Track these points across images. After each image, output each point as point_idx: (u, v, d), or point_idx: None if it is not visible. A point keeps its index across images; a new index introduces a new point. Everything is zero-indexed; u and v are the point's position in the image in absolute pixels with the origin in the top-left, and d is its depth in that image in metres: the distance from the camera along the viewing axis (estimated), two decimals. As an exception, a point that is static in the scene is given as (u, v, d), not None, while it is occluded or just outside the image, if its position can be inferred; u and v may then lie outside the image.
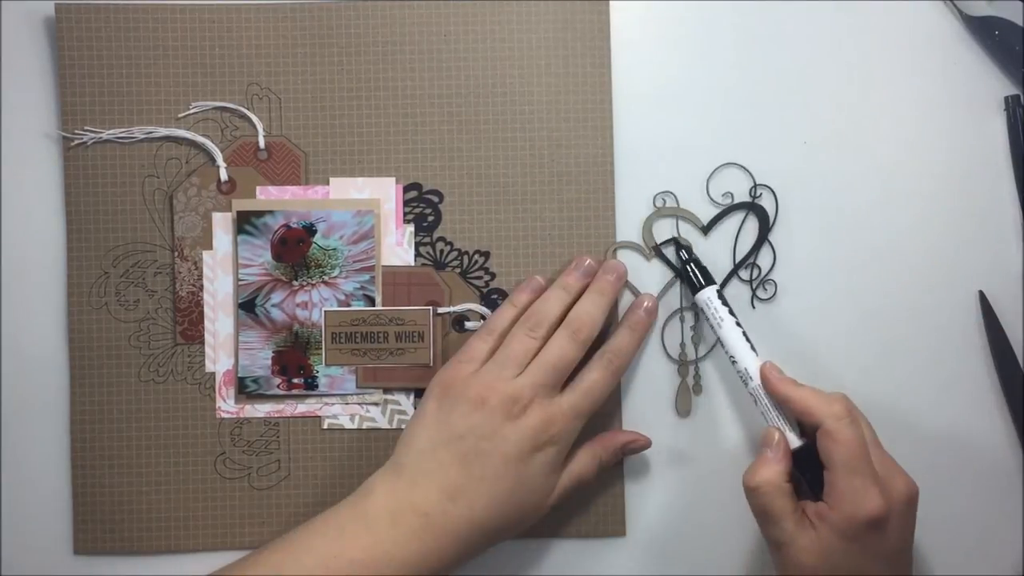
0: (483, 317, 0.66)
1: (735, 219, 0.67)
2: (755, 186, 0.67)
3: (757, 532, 0.66)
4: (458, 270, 0.67)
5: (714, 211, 0.67)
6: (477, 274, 0.67)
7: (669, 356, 0.67)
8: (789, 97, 0.67)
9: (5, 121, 0.67)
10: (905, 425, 0.67)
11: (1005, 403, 0.67)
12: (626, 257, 0.67)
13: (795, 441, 0.61)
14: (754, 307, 0.67)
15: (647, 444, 0.65)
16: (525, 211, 0.67)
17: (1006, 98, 0.67)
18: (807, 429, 0.61)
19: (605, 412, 0.66)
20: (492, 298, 0.67)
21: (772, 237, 0.67)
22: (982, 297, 0.67)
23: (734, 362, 0.63)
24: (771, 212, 0.67)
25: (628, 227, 0.67)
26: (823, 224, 0.67)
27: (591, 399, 0.61)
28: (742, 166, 0.67)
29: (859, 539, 0.57)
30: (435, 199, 0.67)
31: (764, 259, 0.67)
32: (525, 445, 0.59)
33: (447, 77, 0.66)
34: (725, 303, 0.64)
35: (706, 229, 0.67)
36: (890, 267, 0.67)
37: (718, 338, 0.64)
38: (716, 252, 0.67)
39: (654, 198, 0.67)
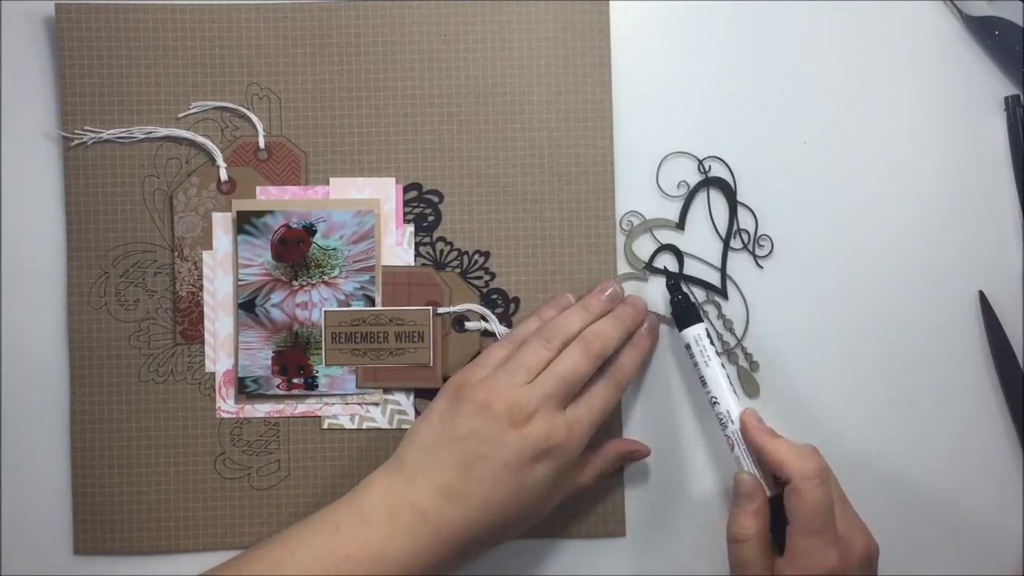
0: (483, 317, 0.66)
1: (700, 201, 0.67)
2: (701, 162, 0.67)
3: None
4: (458, 270, 0.67)
5: (678, 203, 0.67)
6: (477, 274, 0.67)
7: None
8: (789, 97, 0.67)
9: (5, 121, 0.67)
10: (905, 425, 0.67)
11: (1005, 403, 0.67)
12: (626, 287, 0.67)
13: (767, 491, 0.61)
14: (761, 267, 0.67)
15: (647, 453, 0.66)
16: (525, 211, 0.67)
17: (1006, 98, 0.67)
18: (777, 480, 0.61)
19: (606, 422, 0.66)
20: (492, 298, 0.67)
21: (744, 198, 0.67)
22: (982, 297, 0.67)
23: (715, 403, 0.63)
24: (730, 180, 0.67)
25: (629, 228, 0.67)
26: (821, 223, 0.67)
27: (594, 415, 0.61)
28: (681, 151, 0.67)
29: None
30: (435, 199, 0.67)
31: (746, 222, 0.67)
32: (526, 454, 0.58)
33: (447, 77, 0.67)
34: (712, 343, 0.64)
35: (680, 224, 0.67)
36: (890, 267, 0.67)
37: (701, 377, 0.63)
38: (699, 238, 0.67)
39: (620, 221, 0.67)
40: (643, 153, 0.67)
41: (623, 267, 0.67)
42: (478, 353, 0.66)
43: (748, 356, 0.67)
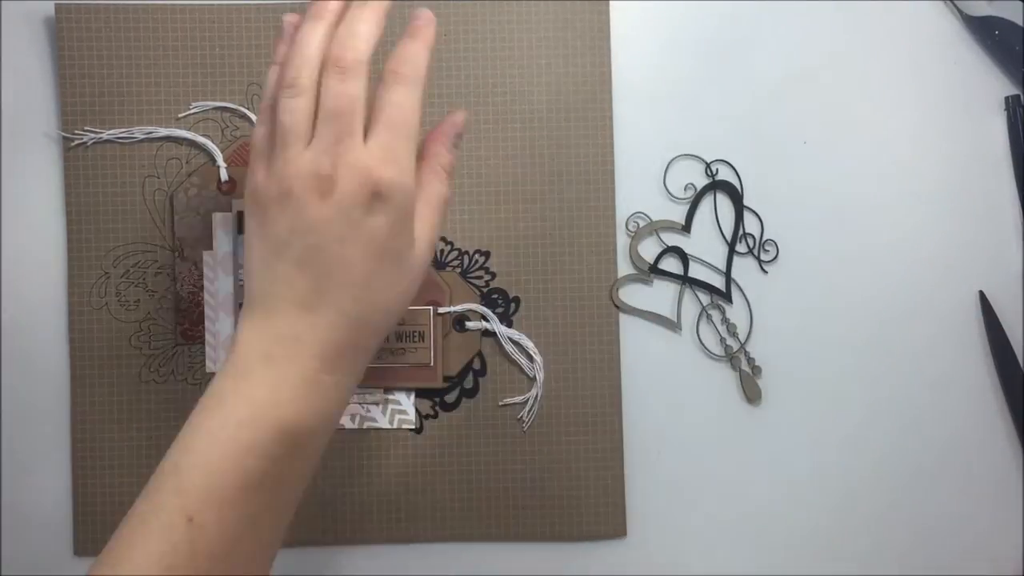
0: (484, 317, 0.66)
1: (706, 204, 0.67)
2: (708, 165, 0.67)
3: (758, 532, 0.66)
4: (458, 270, 0.67)
5: (684, 207, 0.67)
6: (477, 274, 0.67)
7: (715, 357, 0.67)
8: (789, 97, 0.67)
9: (5, 121, 0.67)
10: (905, 425, 0.67)
11: (1005, 403, 0.67)
12: (630, 288, 0.67)
13: None
14: (766, 272, 0.67)
15: (461, 117, 0.56)
16: (525, 211, 0.67)
17: (1006, 98, 0.67)
18: None
19: (604, 415, 0.66)
20: (492, 298, 0.67)
21: (750, 203, 0.67)
22: (982, 297, 0.67)
23: None
24: (736, 184, 0.67)
25: (630, 228, 0.67)
26: (820, 222, 0.67)
27: (404, 129, 0.50)
28: (689, 154, 0.67)
29: None
30: (435, 199, 0.67)
31: (752, 227, 0.67)
32: (352, 214, 0.50)
33: (447, 77, 0.66)
34: None
35: (686, 227, 0.67)
36: (890, 267, 0.67)
37: None
38: (705, 241, 0.67)
39: (626, 222, 0.67)
40: (643, 153, 0.67)
41: (626, 269, 0.67)
42: (479, 353, 0.66)
43: (751, 361, 0.67)
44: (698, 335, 0.67)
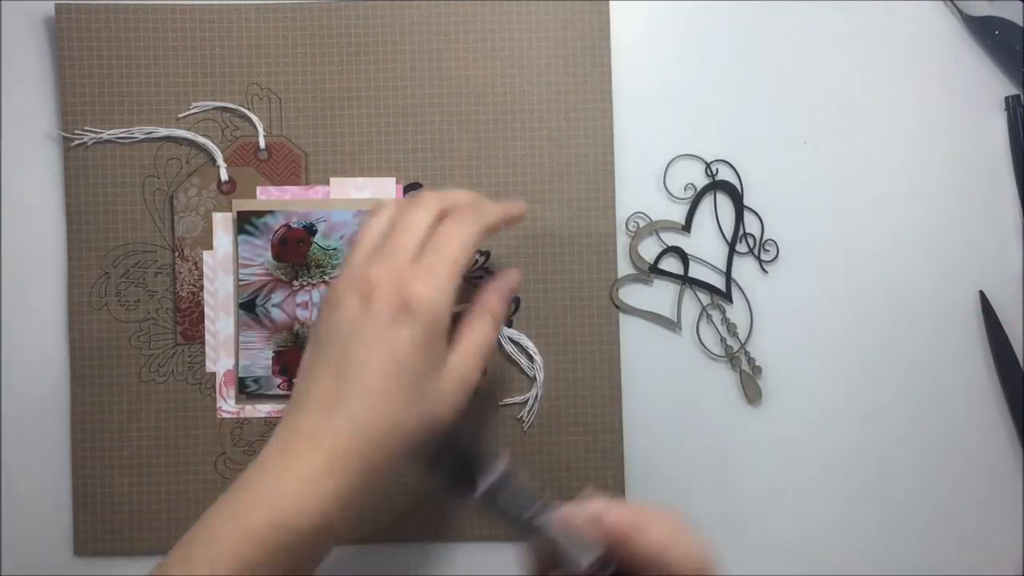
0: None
1: (706, 205, 0.67)
2: (708, 165, 0.67)
3: (758, 534, 0.66)
4: (458, 270, 0.67)
5: (684, 206, 0.67)
6: (477, 274, 0.67)
7: (715, 356, 0.67)
8: (789, 97, 0.67)
9: (5, 121, 0.67)
10: (905, 425, 0.67)
11: (1005, 403, 0.67)
12: (630, 288, 0.67)
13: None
14: (766, 272, 0.67)
15: (517, 276, 0.59)
16: (525, 211, 0.66)
17: (1006, 98, 0.67)
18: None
19: (604, 415, 0.66)
20: (492, 298, 0.67)
21: (750, 203, 0.67)
22: (982, 297, 0.67)
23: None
24: (736, 183, 0.67)
25: (630, 228, 0.67)
26: (820, 222, 0.67)
27: (449, 254, 0.54)
28: (689, 154, 0.67)
29: None
30: (435, 199, 0.67)
31: (752, 226, 0.67)
32: (381, 321, 0.52)
33: (447, 77, 0.66)
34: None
35: (686, 227, 0.67)
36: (890, 267, 0.67)
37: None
38: (705, 241, 0.67)
39: (626, 222, 0.67)
40: (643, 153, 0.67)
41: (627, 268, 0.67)
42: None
43: (751, 361, 0.67)
44: (698, 335, 0.67)
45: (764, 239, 0.67)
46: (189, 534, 0.50)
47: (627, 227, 0.67)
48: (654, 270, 0.67)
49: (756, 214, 0.67)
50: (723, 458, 0.67)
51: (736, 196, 0.67)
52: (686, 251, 0.67)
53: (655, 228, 0.67)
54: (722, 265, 0.67)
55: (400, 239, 0.54)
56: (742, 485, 0.67)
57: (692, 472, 0.67)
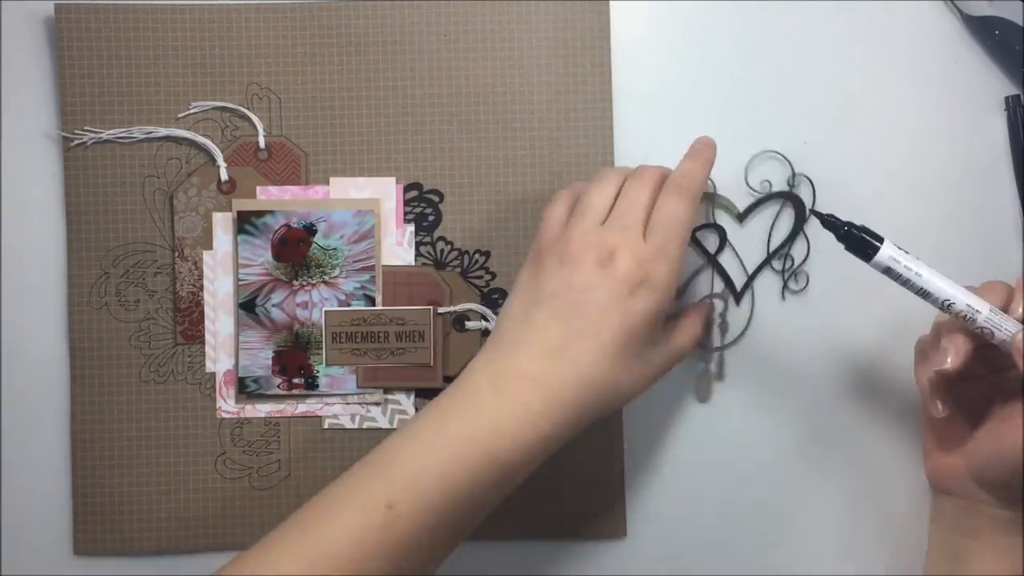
0: (484, 317, 0.66)
1: (771, 208, 0.67)
2: (793, 175, 0.67)
3: (758, 532, 0.66)
4: (458, 270, 0.67)
5: (750, 199, 0.67)
6: (478, 274, 0.67)
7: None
8: (789, 97, 0.67)
9: (5, 121, 0.66)
10: (906, 425, 0.67)
11: (1005, 403, 0.67)
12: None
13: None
14: (784, 298, 0.67)
15: (712, 152, 0.62)
16: (525, 211, 0.67)
17: (1006, 98, 0.67)
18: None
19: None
20: (493, 298, 0.67)
21: (807, 229, 0.67)
22: (982, 297, 0.67)
23: (949, 305, 0.57)
24: (808, 203, 0.67)
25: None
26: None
27: (676, 234, 0.58)
28: (781, 155, 0.67)
29: None
30: (435, 199, 0.67)
31: (798, 251, 0.67)
32: (621, 290, 0.56)
33: (447, 77, 0.66)
34: (904, 251, 0.58)
35: (742, 217, 0.67)
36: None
37: (921, 289, 0.57)
38: (751, 241, 0.67)
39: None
40: (642, 153, 0.67)
41: None
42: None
43: (721, 364, 0.67)
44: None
45: (799, 267, 0.67)
46: (378, 456, 0.55)
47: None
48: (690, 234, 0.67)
49: (808, 240, 0.67)
50: (723, 458, 0.67)
51: (800, 215, 0.67)
52: (728, 236, 0.67)
53: (716, 201, 0.67)
54: (750, 266, 0.67)
55: (630, 214, 0.58)
56: (742, 484, 0.67)
57: (693, 472, 0.67)
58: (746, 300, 0.67)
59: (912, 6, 0.67)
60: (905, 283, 0.58)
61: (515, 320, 0.57)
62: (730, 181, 0.67)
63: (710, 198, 0.67)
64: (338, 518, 0.54)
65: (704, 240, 0.67)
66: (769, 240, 0.67)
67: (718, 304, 0.67)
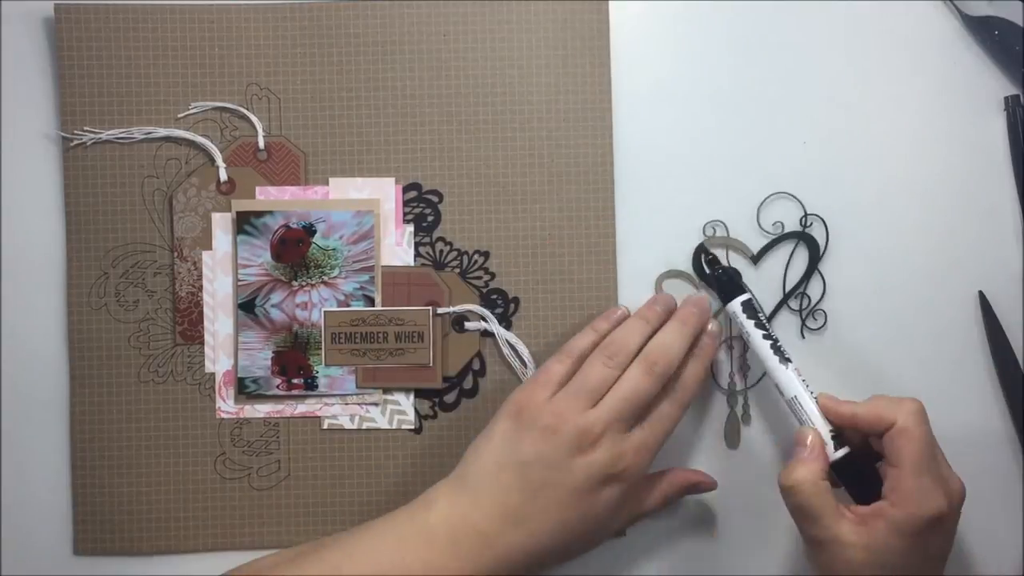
0: (483, 318, 0.66)
1: (785, 249, 0.67)
2: (806, 215, 0.67)
3: (757, 532, 0.66)
4: (458, 270, 0.67)
5: (763, 240, 0.67)
6: (477, 274, 0.67)
7: (719, 385, 0.67)
8: (788, 97, 0.67)
9: (4, 122, 0.67)
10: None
11: (1005, 403, 0.67)
12: (675, 286, 0.67)
13: (833, 451, 0.60)
14: (803, 337, 0.67)
15: (713, 486, 0.65)
16: (525, 211, 0.67)
17: (1006, 98, 0.67)
18: (858, 438, 0.61)
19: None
20: (492, 298, 0.67)
21: (822, 267, 0.67)
22: (982, 297, 0.67)
23: (769, 374, 0.62)
24: (822, 242, 0.67)
25: (627, 226, 0.67)
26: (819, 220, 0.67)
27: (659, 436, 0.61)
28: (793, 196, 0.67)
29: (918, 537, 0.56)
30: (435, 199, 0.67)
31: (813, 289, 0.67)
32: (593, 480, 0.58)
33: (446, 77, 0.66)
34: (752, 315, 0.63)
35: (756, 258, 0.67)
36: (890, 267, 0.67)
37: (749, 349, 0.64)
38: (766, 281, 0.67)
39: (704, 227, 0.67)
40: (642, 153, 0.67)
41: (685, 266, 0.67)
42: (478, 353, 0.66)
43: (747, 406, 0.67)
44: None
45: (816, 306, 0.67)
46: (334, 559, 0.57)
47: (704, 230, 0.67)
48: (704, 277, 0.67)
49: (823, 279, 0.67)
50: (722, 457, 0.67)
51: (815, 255, 0.67)
52: (744, 278, 0.66)
53: (728, 244, 0.67)
54: (769, 307, 0.67)
55: (625, 405, 0.59)
56: (741, 484, 0.67)
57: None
58: None
59: (912, 6, 0.67)
60: (744, 337, 0.63)
61: (486, 471, 0.59)
62: (743, 223, 0.67)
63: (725, 242, 0.67)
64: None
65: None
66: (785, 280, 0.67)
67: (737, 347, 0.67)
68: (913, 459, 0.57)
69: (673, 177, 0.67)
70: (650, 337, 0.62)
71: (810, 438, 0.60)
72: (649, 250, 0.67)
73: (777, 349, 0.62)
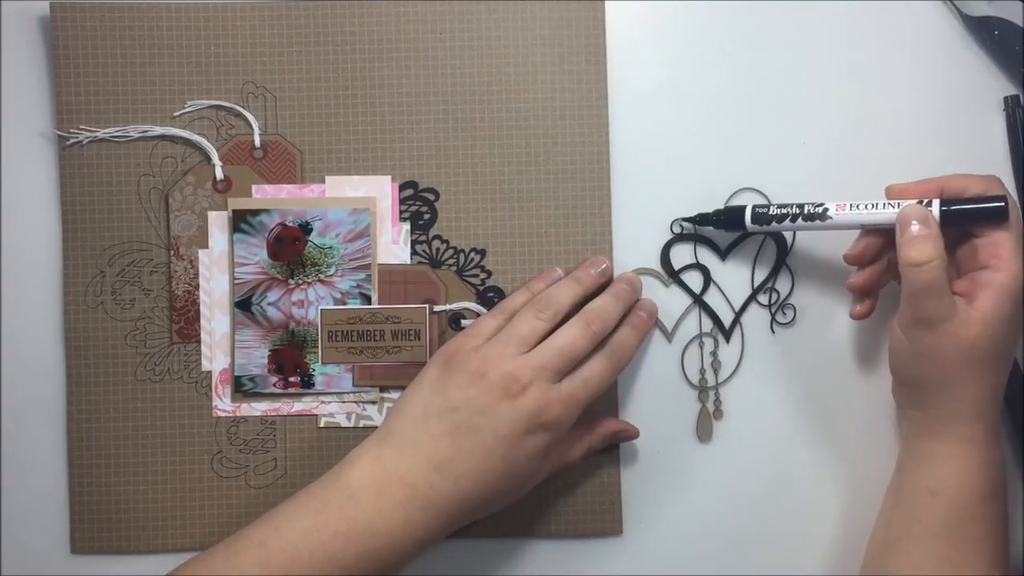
0: (479, 315, 0.66)
1: (753, 243, 0.67)
2: (768, 206, 0.66)
3: (755, 532, 0.66)
4: (454, 268, 0.67)
5: (730, 236, 0.67)
6: (473, 272, 0.67)
7: (689, 382, 0.67)
8: (788, 97, 0.67)
9: (1, 120, 0.66)
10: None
11: (1005, 403, 0.66)
12: (645, 282, 0.67)
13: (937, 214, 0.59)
14: (773, 332, 0.67)
15: (636, 434, 0.66)
16: (521, 209, 0.66)
17: (1006, 98, 0.66)
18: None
19: (600, 413, 0.66)
20: (488, 296, 0.66)
21: (790, 261, 0.67)
22: (980, 297, 0.66)
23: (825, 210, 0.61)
24: (788, 237, 0.67)
25: (625, 226, 0.67)
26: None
27: (590, 390, 0.60)
28: (759, 191, 0.67)
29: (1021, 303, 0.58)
30: (431, 197, 0.66)
31: (782, 284, 0.67)
32: (519, 426, 0.58)
33: (443, 75, 0.66)
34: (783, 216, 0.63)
35: (724, 254, 0.67)
36: (888, 267, 0.67)
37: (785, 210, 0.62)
38: (734, 277, 0.67)
39: (671, 224, 0.67)
40: (639, 152, 0.67)
41: (654, 264, 0.67)
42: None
43: (718, 402, 0.67)
44: (683, 355, 0.67)
45: (785, 300, 0.67)
46: (258, 535, 0.57)
47: (672, 228, 0.67)
48: (675, 277, 0.67)
49: (792, 273, 0.67)
50: (721, 456, 0.67)
51: (782, 250, 0.67)
52: (712, 275, 0.67)
53: (696, 240, 0.67)
54: (738, 302, 0.67)
55: (557, 357, 0.59)
56: (739, 483, 0.67)
57: (690, 469, 0.67)
58: (736, 337, 0.67)
59: (912, 6, 0.67)
60: (780, 220, 0.63)
61: (411, 420, 0.59)
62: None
63: (692, 238, 0.67)
64: None
65: (689, 281, 0.67)
66: (753, 275, 0.67)
67: (708, 343, 0.67)
68: (1015, 222, 0.59)
69: (668, 175, 0.67)
70: (582, 299, 0.63)
71: (923, 214, 0.59)
72: (646, 248, 0.67)
73: (815, 206, 0.62)
